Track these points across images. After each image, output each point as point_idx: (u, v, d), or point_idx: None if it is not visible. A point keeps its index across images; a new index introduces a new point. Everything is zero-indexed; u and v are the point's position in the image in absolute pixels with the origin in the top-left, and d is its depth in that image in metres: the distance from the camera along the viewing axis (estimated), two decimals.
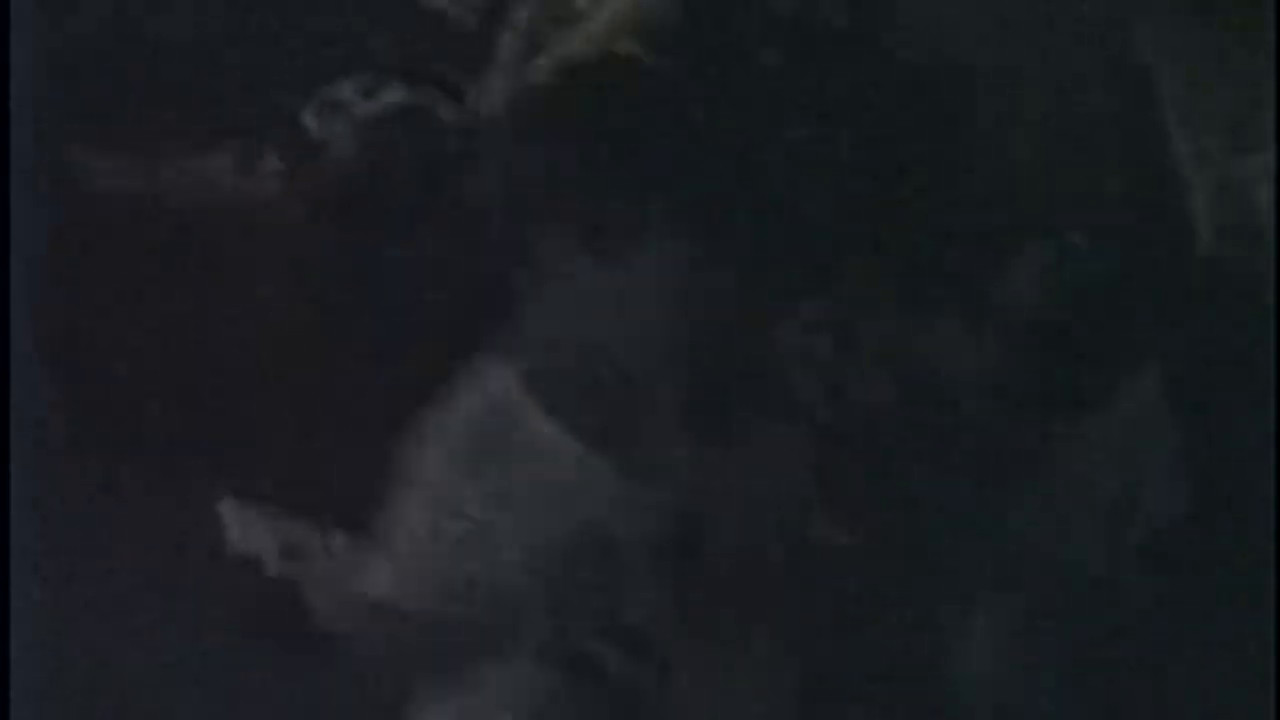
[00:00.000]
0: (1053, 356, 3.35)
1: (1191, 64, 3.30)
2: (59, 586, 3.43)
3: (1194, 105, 3.31)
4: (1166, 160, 3.37)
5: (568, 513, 3.37)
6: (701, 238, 3.59)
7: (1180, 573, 3.18)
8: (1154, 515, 3.21)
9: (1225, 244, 3.31)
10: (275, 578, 3.25)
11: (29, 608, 3.46)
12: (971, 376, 3.35)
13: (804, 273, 3.58)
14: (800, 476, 3.39)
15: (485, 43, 3.95)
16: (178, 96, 4.14)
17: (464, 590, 3.29)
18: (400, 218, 3.60)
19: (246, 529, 3.10)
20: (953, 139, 3.55)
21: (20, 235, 3.64)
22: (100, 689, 3.40)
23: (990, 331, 3.39)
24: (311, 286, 3.58)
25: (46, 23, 3.85)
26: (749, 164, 3.65)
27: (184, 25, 4.22)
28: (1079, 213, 3.38)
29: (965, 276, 3.50)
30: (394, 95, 3.85)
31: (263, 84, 4.06)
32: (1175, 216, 3.36)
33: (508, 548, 3.30)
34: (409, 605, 3.29)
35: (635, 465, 3.44)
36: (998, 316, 3.41)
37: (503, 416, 3.43)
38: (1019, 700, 3.15)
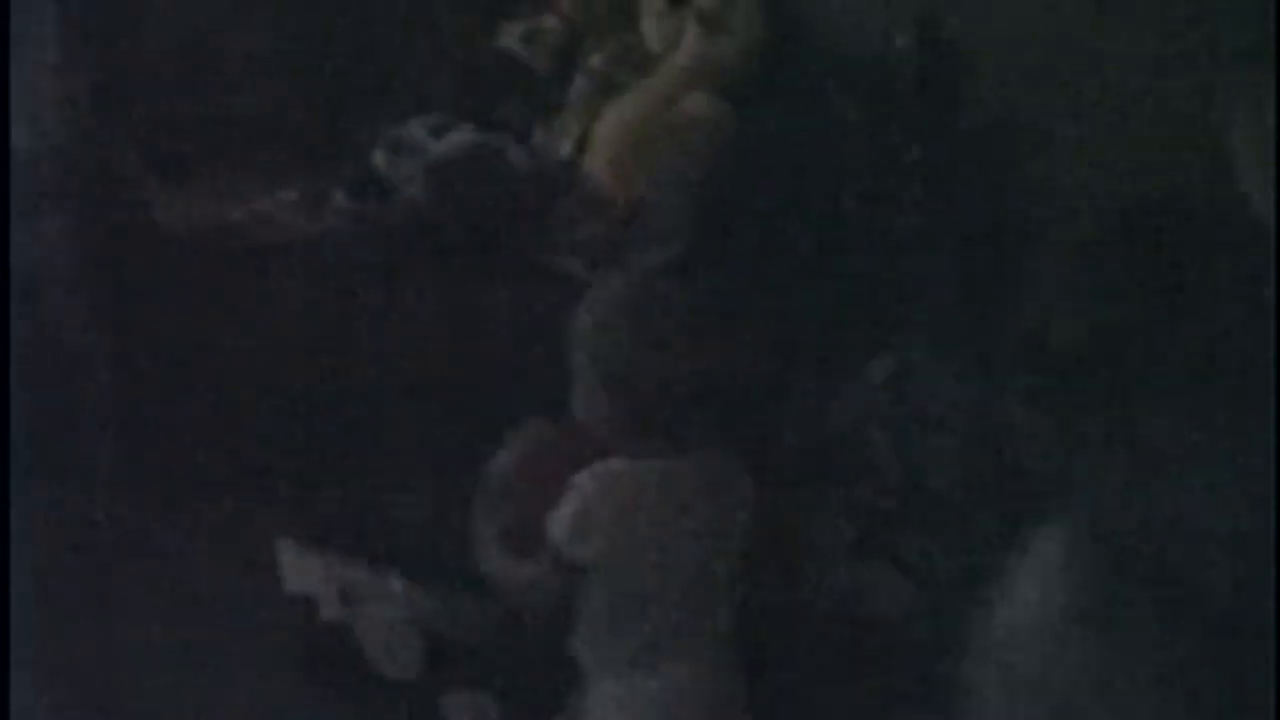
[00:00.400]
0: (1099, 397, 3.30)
1: (1267, 127, 3.26)
2: (113, 621, 3.43)
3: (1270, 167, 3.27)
4: (1245, 223, 3.32)
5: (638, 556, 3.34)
6: (768, 287, 3.57)
7: None
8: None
9: None
10: (330, 620, 3.25)
11: (87, 642, 3.47)
12: (1031, 432, 3.32)
13: (873, 330, 3.55)
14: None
15: (557, 86, 3.96)
16: (247, 135, 4.16)
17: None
18: (468, 258, 3.60)
19: (303, 571, 3.10)
20: (1026, 199, 3.51)
21: (90, 268, 3.66)
22: None
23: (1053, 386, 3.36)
24: (377, 326, 3.57)
25: (117, 61, 3.87)
26: (817, 217, 3.63)
27: (255, 65, 4.24)
28: (1155, 275, 3.35)
29: (1035, 335, 3.48)
30: (464, 136, 3.86)
31: (332, 123, 4.08)
32: (1257, 274, 3.31)
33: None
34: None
35: None
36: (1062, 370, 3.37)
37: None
38: None
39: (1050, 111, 3.37)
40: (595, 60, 3.92)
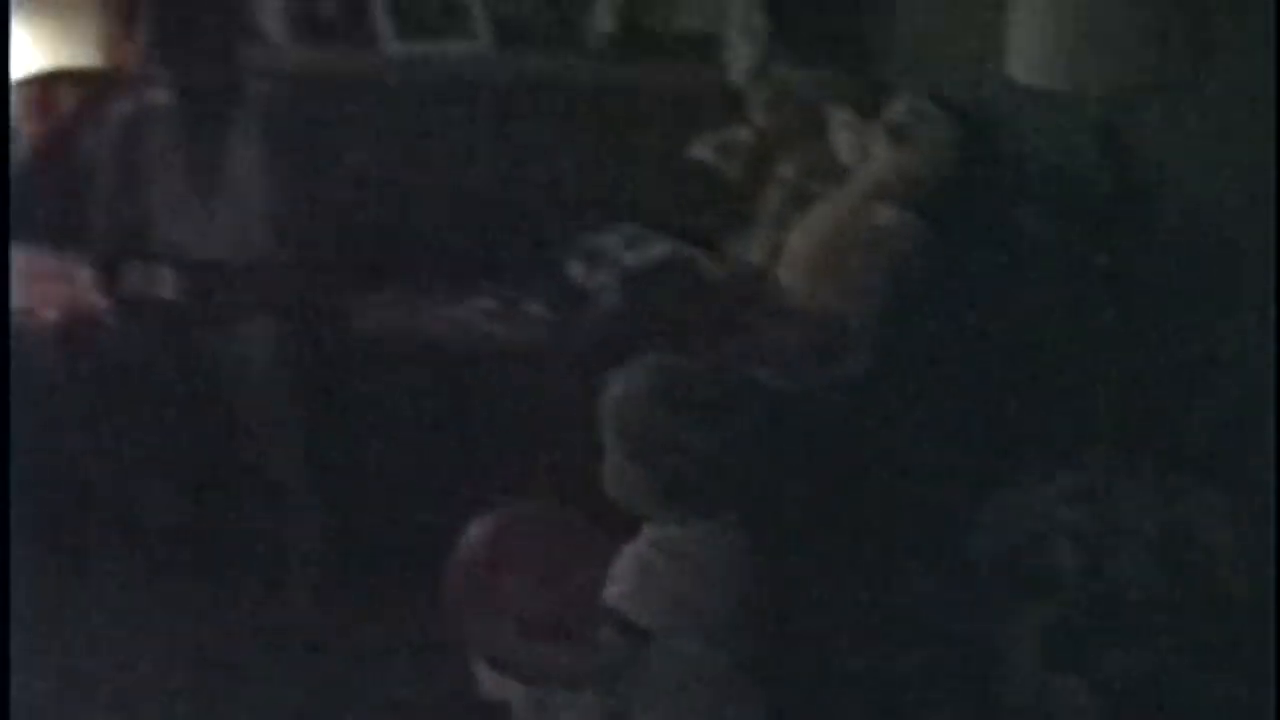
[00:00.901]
0: None
1: None
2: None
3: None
4: None
5: None
6: (957, 396, 3.56)
7: None
8: None
9: None
10: None
11: None
12: (1231, 544, 3.26)
13: (1061, 442, 3.52)
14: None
15: (749, 197, 3.99)
16: (444, 245, 4.23)
17: None
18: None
19: (499, 681, 3.10)
20: (1216, 314, 3.48)
21: (290, 371, 3.70)
22: None
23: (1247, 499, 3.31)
24: (570, 432, 3.57)
25: (320, 173, 3.93)
26: (1004, 329, 3.61)
27: (452, 176, 4.31)
28: None
29: (1227, 447, 3.43)
30: (658, 247, 3.89)
31: (528, 232, 4.14)
32: None
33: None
34: None
35: None
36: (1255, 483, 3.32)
37: None
38: None
39: (1237, 218, 3.33)
40: (786, 171, 3.95)
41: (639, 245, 3.90)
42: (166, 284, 3.92)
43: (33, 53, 4.92)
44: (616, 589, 2.81)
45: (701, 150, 4.05)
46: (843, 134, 3.90)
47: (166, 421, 3.78)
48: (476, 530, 3.05)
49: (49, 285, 4.18)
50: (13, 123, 4.80)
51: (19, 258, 4.50)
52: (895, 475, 3.46)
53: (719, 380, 2.87)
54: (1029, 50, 3.42)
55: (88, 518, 3.90)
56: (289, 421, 3.69)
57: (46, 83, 4.81)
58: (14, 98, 4.80)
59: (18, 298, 4.15)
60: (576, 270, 3.92)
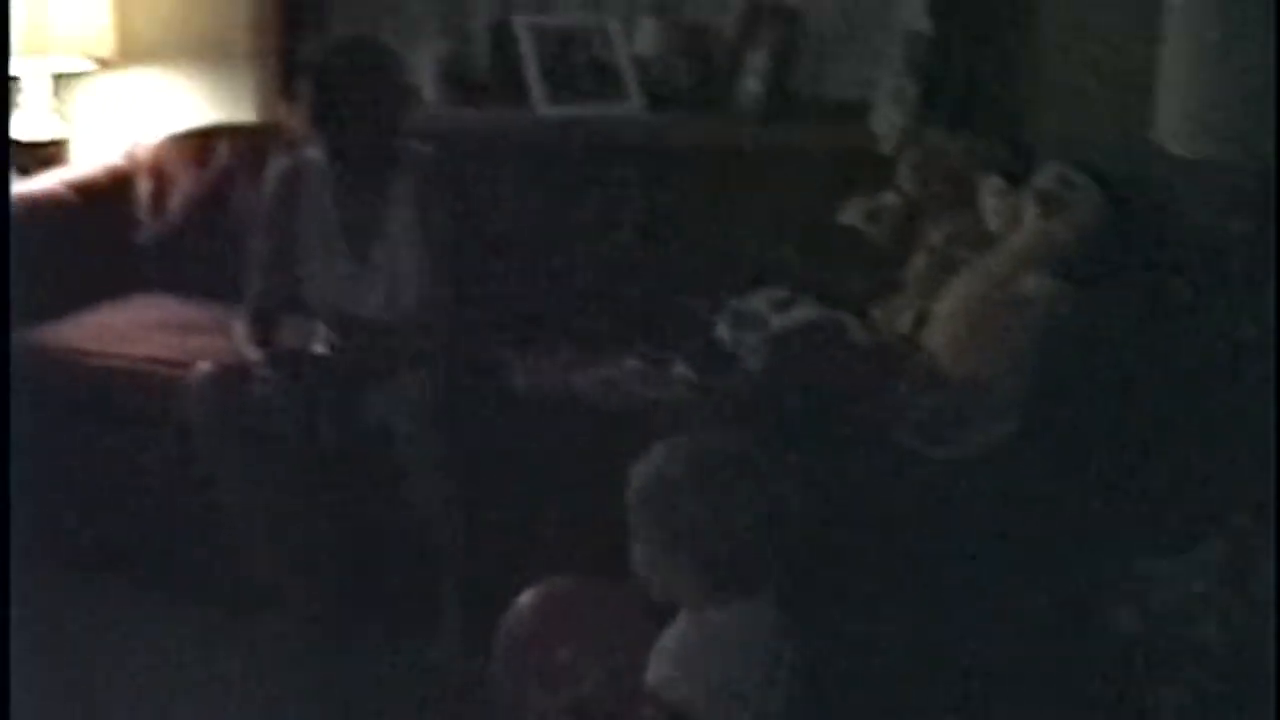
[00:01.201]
0: None
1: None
2: None
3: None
4: None
5: None
6: (1102, 463, 3.53)
7: None
8: None
9: None
10: None
11: None
12: None
13: (1205, 513, 3.49)
14: None
15: (897, 263, 3.99)
16: (595, 305, 4.25)
17: None
18: (808, 430, 3.61)
19: None
20: None
21: (440, 424, 3.73)
22: None
23: None
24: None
25: (464, 222, 3.95)
26: (1149, 398, 3.58)
27: (601, 232, 4.34)
28: None
29: None
30: (805, 311, 3.89)
31: (676, 293, 4.15)
32: None
33: None
34: None
35: None
36: None
37: None
38: None
39: None
40: (935, 238, 3.95)
41: (786, 308, 3.90)
42: (320, 339, 4.01)
43: (192, 106, 5.04)
44: (658, 672, 2.80)
45: (850, 215, 4.05)
46: (992, 201, 3.89)
47: (317, 474, 3.85)
48: (525, 600, 3.06)
49: (203, 337, 4.27)
50: (170, 173, 4.91)
51: (171, 310, 4.63)
52: (1036, 542, 3.44)
53: (752, 459, 2.85)
54: (1179, 118, 3.41)
55: (240, 568, 3.96)
56: (439, 476, 3.73)
57: (205, 136, 4.90)
58: (172, 150, 4.91)
59: (171, 349, 4.29)
60: (723, 332, 3.93)
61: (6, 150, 4.67)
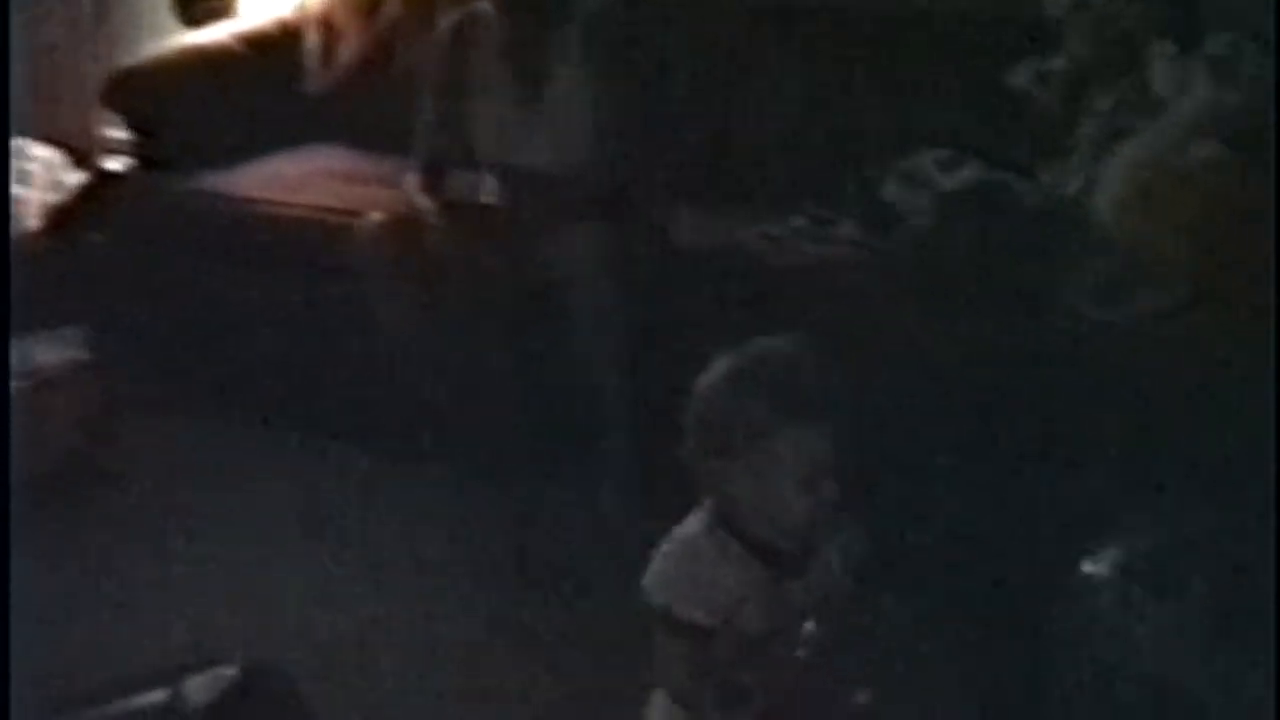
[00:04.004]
0: None
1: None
2: None
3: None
4: None
5: None
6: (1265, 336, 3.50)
7: None
8: None
9: None
10: None
11: None
12: None
13: None
14: None
15: (1065, 126, 3.97)
16: (762, 162, 4.26)
17: None
18: (973, 291, 3.63)
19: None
20: None
21: (607, 276, 3.76)
22: None
23: None
24: (879, 354, 3.59)
25: (645, 90, 3.98)
26: None
27: (772, 95, 4.34)
28: None
29: None
30: (973, 172, 3.89)
31: (845, 154, 4.15)
32: None
33: None
34: None
35: None
36: None
37: None
38: None
39: None
40: (1103, 103, 3.93)
41: (954, 169, 3.90)
42: (490, 190, 4.04)
43: None
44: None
45: (1018, 78, 4.04)
46: (1162, 67, 3.86)
47: (485, 325, 3.88)
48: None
49: (375, 187, 4.31)
50: (339, 25, 4.95)
51: (342, 160, 4.69)
52: (1200, 409, 3.43)
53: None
54: None
55: (405, 418, 4.01)
56: (605, 330, 3.75)
57: None
58: (342, 1, 4.97)
59: (341, 199, 4.36)
60: (891, 192, 3.93)
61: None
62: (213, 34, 4.90)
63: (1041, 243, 3.67)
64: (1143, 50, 3.91)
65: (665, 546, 2.66)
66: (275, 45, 4.90)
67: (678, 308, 3.78)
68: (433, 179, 4.04)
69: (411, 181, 4.05)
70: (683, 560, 2.63)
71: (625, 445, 3.83)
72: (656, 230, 3.91)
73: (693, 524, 2.66)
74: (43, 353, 4.10)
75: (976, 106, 4.07)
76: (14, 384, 3.80)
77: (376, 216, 3.99)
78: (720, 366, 2.67)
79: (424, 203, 4.00)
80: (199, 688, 2.80)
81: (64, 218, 4.82)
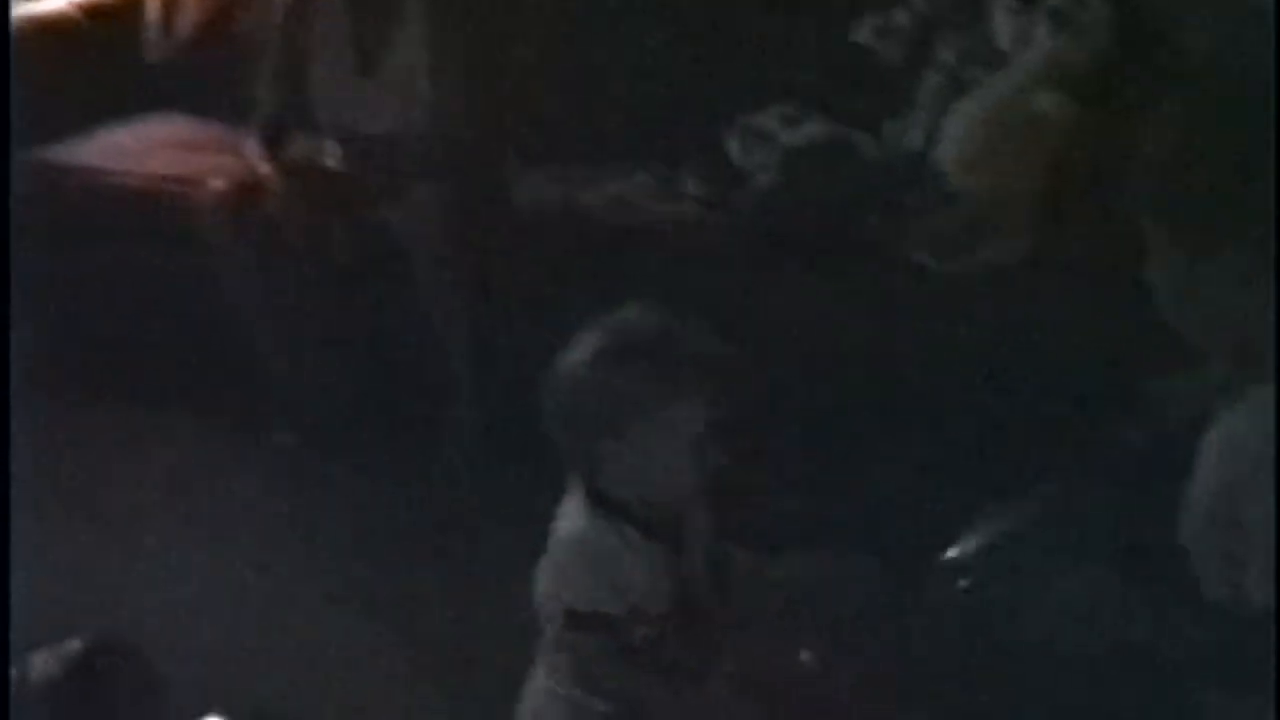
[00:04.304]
0: None
1: None
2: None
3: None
4: None
5: None
6: (1110, 284, 3.53)
7: None
8: None
9: None
10: None
11: None
12: None
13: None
14: None
15: (907, 80, 3.98)
16: (604, 122, 4.24)
17: None
18: (817, 246, 3.64)
19: None
20: None
21: (450, 241, 3.75)
22: None
23: None
24: (723, 309, 3.57)
25: (485, 50, 3.93)
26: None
27: (613, 54, 4.32)
28: None
29: None
30: (816, 127, 3.89)
31: (685, 110, 4.14)
32: None
33: None
34: None
35: None
36: None
37: None
38: None
39: None
40: (946, 56, 3.94)
41: (797, 125, 3.90)
42: (331, 155, 3.99)
43: None
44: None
45: (861, 33, 4.04)
46: (1003, 19, 3.88)
47: (327, 287, 3.87)
48: None
49: (215, 154, 4.24)
50: None
51: (181, 129, 4.64)
52: (1048, 359, 3.46)
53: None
54: None
55: (252, 384, 3.98)
56: (446, 293, 3.76)
57: None
58: None
59: (180, 167, 4.31)
60: (734, 149, 3.93)
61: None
62: (52, 3, 4.84)
63: (885, 197, 3.69)
64: (984, 3, 3.94)
65: (551, 547, 2.58)
66: (115, 14, 4.81)
67: (521, 270, 3.78)
68: (274, 145, 4.00)
69: (253, 148, 4.02)
70: (577, 557, 2.55)
71: (469, 410, 3.82)
72: (499, 193, 3.90)
73: (574, 517, 2.58)
74: None
75: (819, 62, 4.07)
76: None
77: (218, 184, 3.96)
78: (589, 343, 2.57)
79: (266, 169, 3.96)
80: (43, 662, 2.78)
81: None
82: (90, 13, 4.81)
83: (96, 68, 4.66)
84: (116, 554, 3.68)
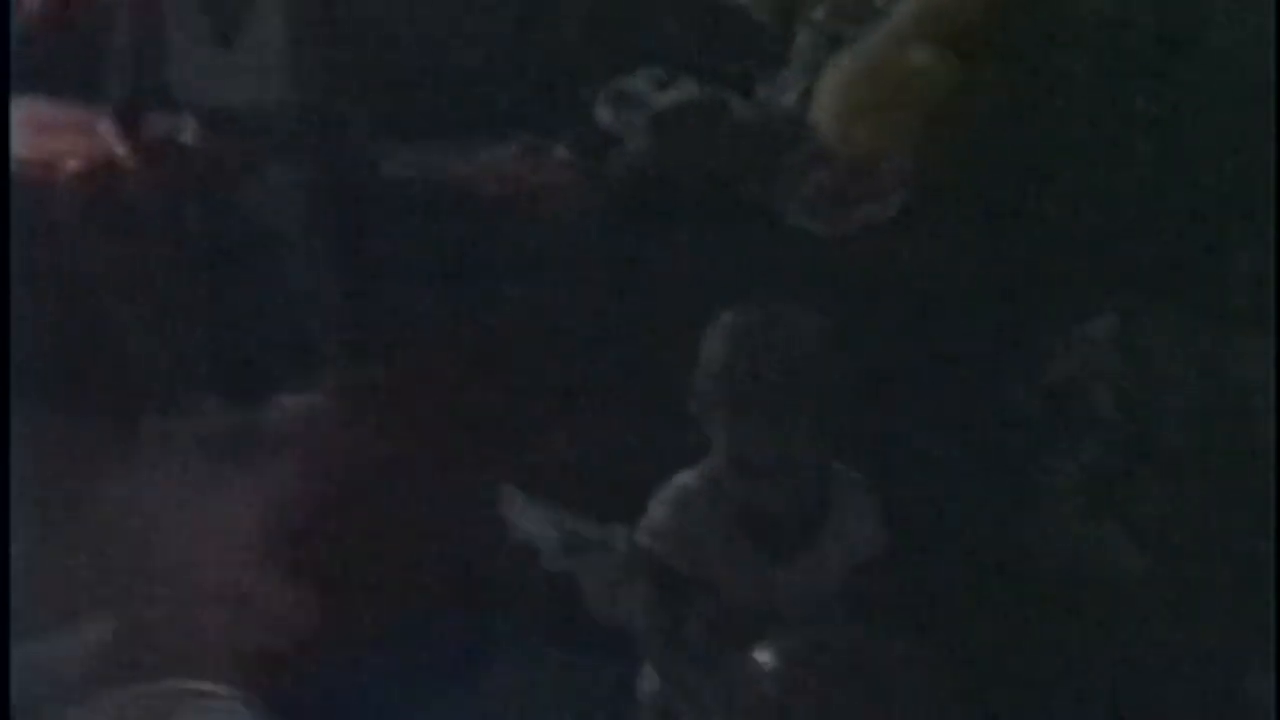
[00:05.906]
0: None
1: None
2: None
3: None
4: None
5: None
6: (991, 241, 3.54)
7: None
8: None
9: None
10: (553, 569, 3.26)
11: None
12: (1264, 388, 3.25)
13: (1097, 284, 3.51)
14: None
15: (779, 38, 3.94)
16: (472, 89, 4.19)
17: None
18: (691, 210, 3.61)
19: (530, 520, 3.11)
20: (1251, 149, 3.43)
21: (318, 219, 3.71)
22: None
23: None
24: (600, 277, 3.58)
25: (345, 18, 3.92)
26: (1042, 170, 3.58)
27: (478, 19, 4.27)
28: None
29: (1263, 284, 3.40)
30: (687, 89, 3.86)
31: (554, 75, 4.09)
32: None
33: None
34: None
35: None
36: None
37: None
38: None
39: None
40: (818, 12, 3.89)
41: (667, 88, 3.88)
42: (188, 132, 3.93)
43: None
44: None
45: None
46: None
47: (190, 267, 3.79)
48: None
49: (69, 136, 4.17)
50: None
51: (36, 110, 4.55)
52: (928, 319, 3.45)
53: None
54: None
55: (109, 370, 3.92)
56: (313, 268, 3.71)
57: None
58: None
59: (36, 150, 4.22)
60: (604, 113, 3.89)
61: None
62: None
63: (758, 157, 3.66)
64: None
65: (661, 493, 2.81)
66: None
67: (391, 243, 3.72)
68: (129, 124, 3.94)
69: (107, 127, 3.96)
70: (674, 507, 2.78)
71: (338, 381, 3.75)
72: (365, 165, 3.84)
73: (691, 474, 2.79)
74: None
75: (689, 22, 4.04)
76: None
77: (74, 165, 3.90)
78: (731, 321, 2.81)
79: (122, 148, 3.90)
80: None
81: None
82: None
83: None
84: None
